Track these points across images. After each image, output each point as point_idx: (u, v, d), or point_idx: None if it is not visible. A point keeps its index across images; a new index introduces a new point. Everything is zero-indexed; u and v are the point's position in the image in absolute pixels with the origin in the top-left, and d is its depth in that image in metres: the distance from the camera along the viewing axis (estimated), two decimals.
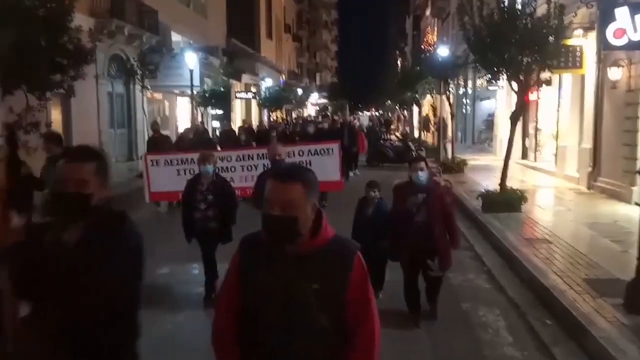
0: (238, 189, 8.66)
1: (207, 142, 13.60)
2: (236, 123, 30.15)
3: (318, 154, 9.35)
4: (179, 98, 24.41)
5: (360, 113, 53.09)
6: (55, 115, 15.53)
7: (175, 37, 23.69)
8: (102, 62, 17.59)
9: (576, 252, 6.96)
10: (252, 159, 9.25)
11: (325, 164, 9.16)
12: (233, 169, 9.07)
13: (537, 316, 5.33)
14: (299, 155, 9.34)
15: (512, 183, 10.93)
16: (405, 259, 5.19)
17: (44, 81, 9.16)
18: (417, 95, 24.03)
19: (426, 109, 27.12)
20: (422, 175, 4.97)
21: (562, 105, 14.55)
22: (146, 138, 19.31)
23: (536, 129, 17.19)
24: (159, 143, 12.49)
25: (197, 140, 13.58)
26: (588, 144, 12.16)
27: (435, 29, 39.38)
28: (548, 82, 15.55)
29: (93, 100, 17.16)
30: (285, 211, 1.86)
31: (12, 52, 7.85)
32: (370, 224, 5.55)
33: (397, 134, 28.24)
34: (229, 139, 15.59)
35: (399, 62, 53.63)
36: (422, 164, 5.04)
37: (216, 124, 25.43)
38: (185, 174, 8.59)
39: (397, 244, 5.16)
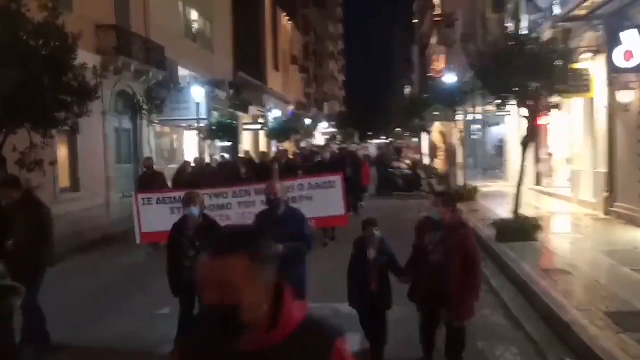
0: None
1: (209, 176, 13.03)
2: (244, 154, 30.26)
3: (320, 188, 8.90)
4: (186, 132, 24.53)
5: (368, 141, 53.11)
6: (62, 152, 15.59)
7: (182, 71, 23.96)
8: (109, 98, 17.74)
9: (596, 283, 6.63)
10: (250, 195, 8.80)
11: (328, 198, 8.79)
12: (229, 206, 8.66)
13: (557, 354, 5.00)
14: (299, 189, 8.91)
15: (526, 210, 10.64)
16: (417, 300, 4.88)
17: (48, 119, 9.12)
18: (425, 123, 23.93)
19: (435, 136, 26.99)
20: (437, 212, 4.73)
21: (573, 130, 14.30)
22: None
23: (548, 154, 16.91)
24: (149, 181, 11.63)
25: (197, 173, 13.31)
26: (603, 168, 11.87)
27: (442, 56, 39.59)
28: (558, 107, 15.39)
29: (100, 136, 17.25)
30: (223, 296, 1.39)
31: (14, 90, 7.83)
32: (374, 268, 4.97)
33: (407, 161, 28.01)
34: (228, 172, 14.75)
35: (406, 90, 53.93)
36: (439, 201, 4.78)
37: (226, 155, 25.46)
38: (179, 212, 8.28)
39: (415, 284, 4.84)
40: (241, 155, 24.46)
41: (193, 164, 16.69)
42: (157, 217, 8.37)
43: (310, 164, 14.73)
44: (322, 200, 8.77)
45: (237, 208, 8.64)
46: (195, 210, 5.06)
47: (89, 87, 9.75)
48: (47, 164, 9.77)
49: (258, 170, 14.50)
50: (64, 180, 15.68)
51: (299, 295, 4.43)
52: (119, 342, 5.78)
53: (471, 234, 4.69)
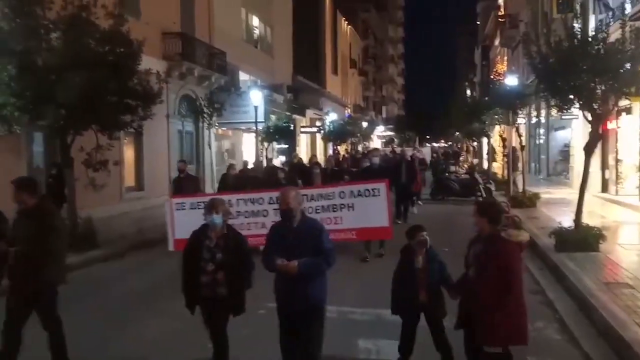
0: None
1: (253, 180, 12.73)
2: (304, 156, 30.61)
3: (362, 196, 8.20)
4: (244, 134, 25.12)
5: (426, 144, 52.17)
6: (129, 153, 16.39)
7: (243, 76, 24.60)
8: (173, 102, 18.48)
9: None
10: (262, 203, 8.35)
11: (371, 208, 8.16)
12: (265, 213, 8.24)
13: None
14: (340, 197, 8.27)
15: (591, 219, 10.11)
16: (458, 320, 4.39)
17: (113, 121, 9.64)
18: (485, 126, 23.23)
19: (495, 140, 26.16)
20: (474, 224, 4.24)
21: None
22: (215, 174, 20.00)
23: (617, 160, 15.98)
24: (183, 185, 11.09)
25: (242, 176, 13.08)
26: None
27: (505, 58, 38.36)
28: (628, 111, 14.51)
29: (164, 138, 17.99)
30: None
31: (81, 94, 8.33)
32: (422, 277, 4.70)
33: (465, 165, 27.29)
34: (269, 176, 13.83)
35: (467, 93, 52.68)
36: (474, 210, 4.31)
37: (282, 158, 25.90)
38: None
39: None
40: (287, 158, 24.80)
41: (251, 165, 16.97)
42: (191, 222, 7.98)
43: (358, 169, 13.85)
44: (364, 210, 8.16)
45: (273, 215, 7.94)
46: (217, 219, 4.48)
47: (153, 92, 10.21)
48: (111, 164, 10.30)
49: (303, 174, 13.59)
50: (129, 180, 16.46)
51: (317, 315, 4.29)
52: (159, 342, 5.84)
53: (509, 250, 4.00)
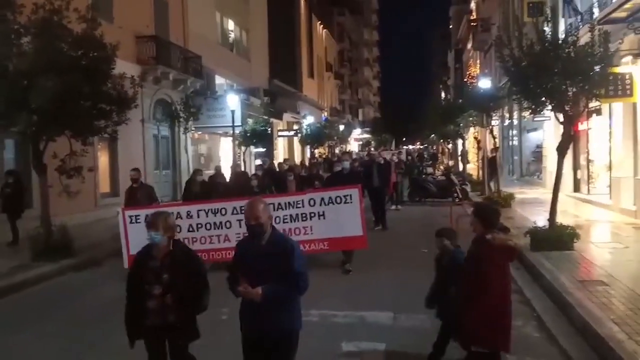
0: (204, 252, 7.36)
1: (221, 187, 11.93)
2: (281, 160, 30.51)
3: (333, 203, 7.74)
4: (222, 138, 24.95)
5: (402, 147, 52.57)
6: (103, 159, 16.12)
7: (219, 80, 24.45)
8: (148, 107, 18.26)
9: (636, 295, 6.35)
10: (225, 214, 7.77)
11: (343, 216, 7.73)
12: (228, 225, 7.73)
13: None
14: (310, 205, 7.77)
15: (564, 218, 10.32)
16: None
17: (87, 127, 9.46)
18: (460, 129, 23.57)
19: (469, 142, 26.56)
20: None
21: (614, 135, 13.81)
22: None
23: (588, 160, 16.38)
24: (137, 195, 9.99)
25: (210, 183, 12.45)
26: None
27: (478, 61, 39.00)
28: (597, 112, 14.89)
29: (139, 143, 17.76)
30: None
31: (54, 99, 8.15)
32: (449, 277, 4.68)
33: (441, 167, 27.63)
34: (236, 183, 12.60)
35: (442, 96, 53.36)
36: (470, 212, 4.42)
37: (258, 161, 25.80)
38: None
39: None
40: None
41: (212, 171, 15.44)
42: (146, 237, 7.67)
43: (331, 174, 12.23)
44: (336, 218, 7.73)
45: (237, 227, 7.46)
46: (157, 236, 3.83)
47: (127, 96, 10.05)
48: (86, 170, 10.10)
49: (276, 180, 12.74)
50: (104, 186, 16.19)
51: (289, 344, 3.58)
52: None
53: (488, 254, 3.96)
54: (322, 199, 7.85)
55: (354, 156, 24.96)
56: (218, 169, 15.13)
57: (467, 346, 4.18)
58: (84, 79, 8.77)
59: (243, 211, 7.02)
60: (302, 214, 7.81)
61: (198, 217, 7.88)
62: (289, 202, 7.93)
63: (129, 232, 7.70)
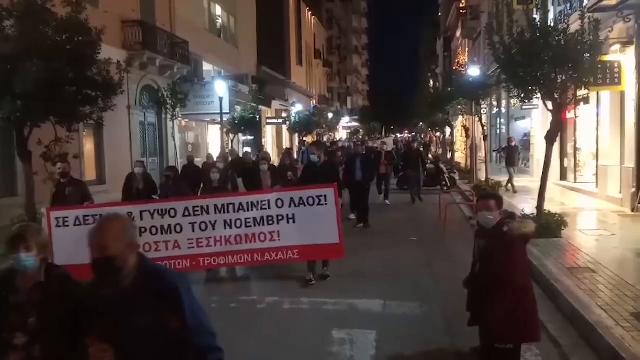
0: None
1: (173, 182, 9.01)
2: (270, 148, 30.40)
3: (305, 204, 6.69)
4: (210, 126, 24.73)
5: (391, 135, 52.66)
6: (89, 145, 15.88)
7: (206, 66, 24.17)
8: (134, 93, 17.99)
9: (622, 282, 6.42)
10: (207, 212, 6.67)
11: (317, 220, 6.69)
12: (179, 229, 6.64)
13: (581, 356, 4.86)
14: (277, 206, 6.71)
15: (551, 206, 10.39)
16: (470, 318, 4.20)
17: (72, 113, 9.27)
18: (448, 117, 23.61)
19: (458, 131, 26.63)
20: (489, 217, 3.88)
21: (601, 123, 13.92)
22: (179, 168, 19.57)
23: (575, 149, 16.51)
24: (66, 193, 8.11)
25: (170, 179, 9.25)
26: (631, 163, 11.51)
27: (466, 49, 39.00)
28: (585, 100, 14.98)
29: (125, 130, 17.52)
30: None
31: (39, 85, 7.97)
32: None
33: (430, 156, 27.69)
34: (188, 178, 11.22)
35: (430, 84, 53.39)
36: (492, 203, 3.92)
37: (247, 149, 25.66)
38: None
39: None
40: (271, 149, 24.42)
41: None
42: (76, 244, 5.76)
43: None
44: (308, 222, 6.70)
45: (190, 232, 6.62)
46: (26, 258, 2.58)
47: (113, 82, 9.86)
48: (71, 157, 9.92)
49: (247, 173, 10.61)
50: (90, 173, 15.97)
51: None
52: None
53: (510, 243, 3.78)
54: (292, 199, 6.75)
55: (342, 144, 24.62)
56: (190, 159, 13.74)
57: (490, 341, 3.91)
58: (68, 64, 8.56)
59: (197, 212, 6.67)
60: (268, 216, 6.75)
61: (141, 219, 6.59)
62: (252, 203, 6.81)
63: (54, 238, 6.20)
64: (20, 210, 9.14)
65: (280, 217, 6.74)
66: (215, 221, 6.69)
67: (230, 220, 6.70)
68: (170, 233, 6.60)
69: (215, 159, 13.55)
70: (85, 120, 9.82)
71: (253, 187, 9.57)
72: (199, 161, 16.91)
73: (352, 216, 11.81)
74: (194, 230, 6.65)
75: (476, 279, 4.06)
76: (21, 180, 10.76)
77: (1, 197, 12.00)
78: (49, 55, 8.23)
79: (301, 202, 6.72)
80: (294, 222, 6.71)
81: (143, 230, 6.52)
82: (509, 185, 15.87)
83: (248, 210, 6.79)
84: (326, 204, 6.71)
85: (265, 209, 6.74)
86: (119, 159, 16.97)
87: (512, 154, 16.72)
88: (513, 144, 17.21)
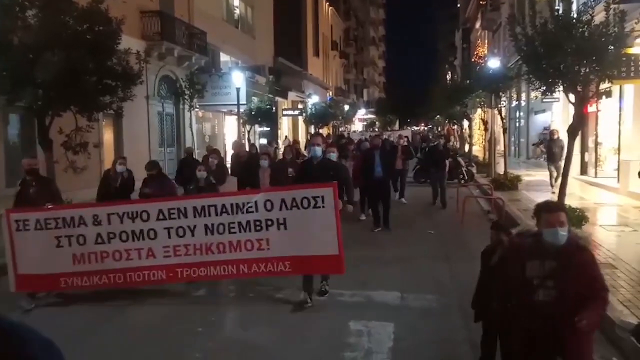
0: (119, 272, 5.87)
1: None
2: (282, 139, 30.41)
3: (298, 207, 5.63)
4: (226, 116, 24.81)
5: (406, 128, 52.28)
6: (108, 135, 16.05)
7: (224, 57, 24.22)
8: (153, 83, 18.12)
9: None
10: (185, 215, 5.80)
11: (312, 226, 5.64)
12: (152, 234, 5.83)
13: (603, 353, 4.79)
14: (266, 209, 5.70)
15: (571, 200, 10.24)
16: (516, 346, 3.60)
17: (92, 102, 9.37)
18: (467, 110, 23.37)
19: (476, 124, 26.36)
20: (562, 233, 3.26)
21: (624, 117, 13.65)
22: (196, 158, 19.65)
23: (596, 143, 16.23)
24: (30, 192, 6.71)
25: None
26: None
27: (486, 41, 38.49)
28: (608, 94, 14.69)
29: (144, 120, 17.67)
30: None
31: (60, 74, 8.05)
32: (495, 277, 3.91)
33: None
34: (184, 173, 10.52)
35: (448, 76, 52.88)
36: (563, 216, 3.32)
37: (263, 140, 25.71)
38: (69, 244, 5.80)
39: (508, 325, 3.65)
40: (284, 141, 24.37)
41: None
42: (38, 250, 5.77)
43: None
44: (301, 229, 5.68)
45: (166, 238, 5.80)
46: None
47: (132, 72, 9.94)
48: (91, 146, 10.04)
49: (247, 167, 9.68)
50: (109, 162, 16.07)
51: None
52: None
53: (592, 258, 3.44)
54: (283, 200, 5.69)
55: (359, 136, 24.13)
56: (189, 151, 12.73)
57: None
58: (89, 54, 8.65)
59: (173, 215, 5.74)
60: (255, 221, 5.77)
61: (109, 223, 5.86)
62: (236, 204, 5.82)
63: (15, 243, 5.80)
64: None
65: (269, 222, 5.74)
66: (195, 226, 5.79)
67: (212, 225, 5.81)
68: (143, 239, 5.81)
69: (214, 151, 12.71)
70: (105, 109, 9.93)
71: (250, 187, 8.33)
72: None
73: (364, 216, 11.06)
74: (170, 237, 5.83)
75: (541, 306, 3.31)
76: (42, 168, 10.92)
77: None
78: (70, 45, 8.31)
79: (294, 204, 5.66)
80: (285, 228, 5.71)
81: (112, 236, 5.85)
82: (554, 183, 13.83)
83: (232, 214, 5.82)
84: (323, 207, 5.59)
85: (252, 212, 5.74)
86: (137, 148, 17.13)
87: (553, 149, 14.44)
88: (556, 136, 14.82)
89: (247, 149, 14.24)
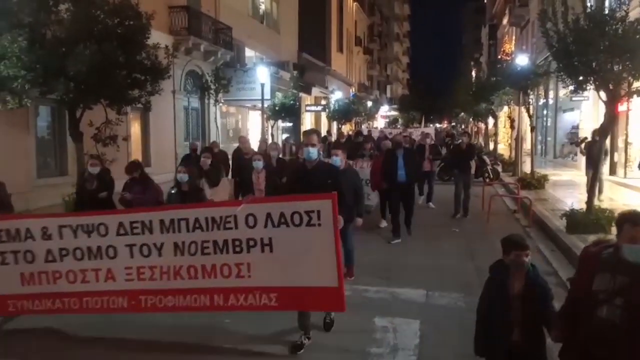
0: (74, 296, 4.88)
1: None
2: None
3: (287, 224, 4.40)
4: (250, 111, 24.96)
5: (429, 125, 51.80)
6: (135, 128, 16.30)
7: (249, 52, 24.35)
8: (179, 78, 18.33)
9: None
10: (104, 234, 4.80)
11: (305, 249, 4.40)
12: (111, 252, 4.83)
13: None
14: (248, 225, 4.48)
15: (599, 201, 10.05)
16: None
17: (122, 96, 9.54)
18: (493, 107, 23.06)
19: (501, 122, 26.00)
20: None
21: None
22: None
23: (626, 143, 15.86)
24: None
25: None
26: None
27: (513, 37, 37.90)
28: (639, 93, 14.31)
29: (170, 114, 17.89)
30: None
31: (91, 68, 8.21)
32: (518, 308, 3.27)
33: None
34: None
35: (473, 73, 52.21)
36: None
37: (286, 135, 25.80)
38: (16, 261, 4.92)
39: (569, 346, 3.06)
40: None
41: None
42: None
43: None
44: (291, 253, 4.46)
45: (127, 257, 4.76)
46: None
47: (161, 66, 10.08)
48: (120, 139, 10.22)
49: (240, 169, 8.66)
50: (136, 155, 16.36)
51: None
52: None
53: None
54: (269, 215, 4.44)
55: (377, 132, 23.09)
56: (193, 147, 11.77)
57: None
58: (119, 48, 8.80)
59: (136, 230, 4.65)
60: (234, 240, 4.58)
61: (61, 237, 4.88)
62: (212, 218, 4.61)
63: None
64: (71, 189, 9.49)
65: (251, 243, 4.52)
66: (162, 244, 4.69)
67: (183, 244, 4.65)
68: (101, 258, 4.80)
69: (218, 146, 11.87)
70: (134, 103, 10.10)
71: (243, 193, 7.36)
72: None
73: (384, 223, 10.05)
74: (132, 256, 4.75)
75: (609, 326, 2.79)
76: (72, 160, 11.16)
77: (53, 176, 12.49)
78: (101, 39, 8.47)
79: (282, 220, 4.41)
80: (270, 250, 4.49)
81: (64, 252, 4.87)
82: (598, 192, 11.26)
83: (206, 230, 4.62)
84: (319, 225, 4.33)
85: (231, 228, 4.53)
86: (164, 142, 17.39)
87: (594, 151, 11.06)
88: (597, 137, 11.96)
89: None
